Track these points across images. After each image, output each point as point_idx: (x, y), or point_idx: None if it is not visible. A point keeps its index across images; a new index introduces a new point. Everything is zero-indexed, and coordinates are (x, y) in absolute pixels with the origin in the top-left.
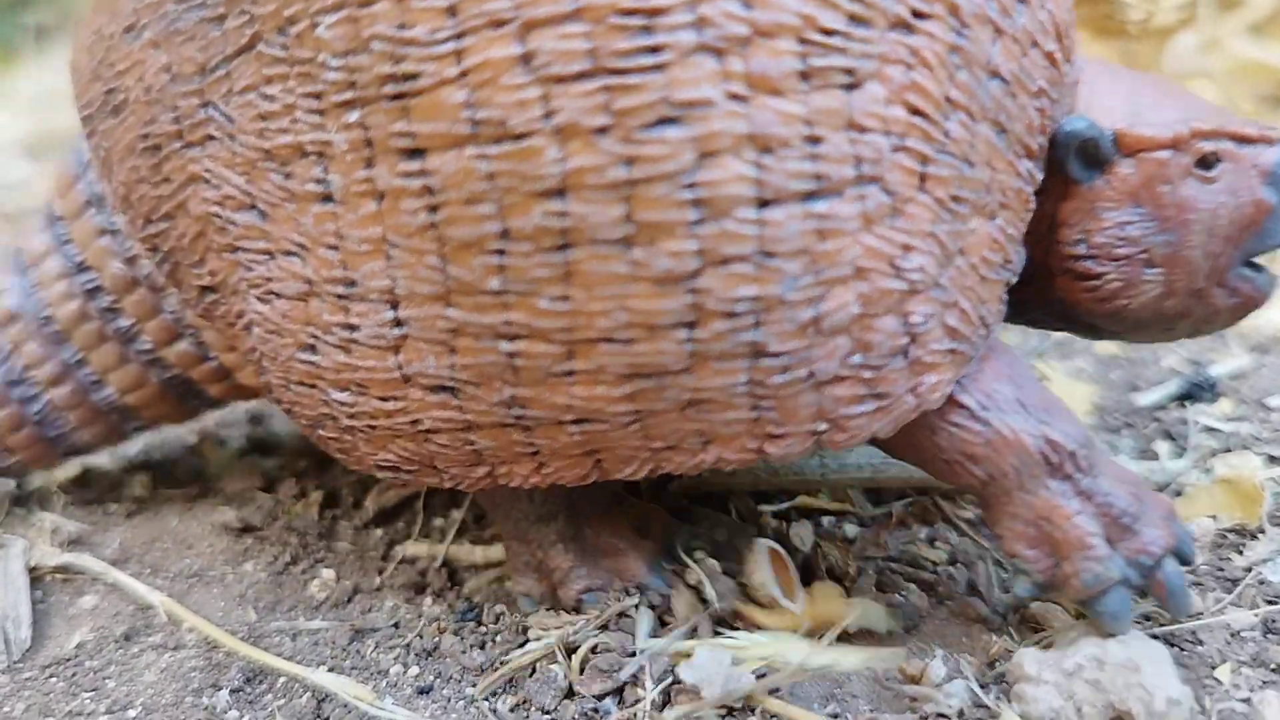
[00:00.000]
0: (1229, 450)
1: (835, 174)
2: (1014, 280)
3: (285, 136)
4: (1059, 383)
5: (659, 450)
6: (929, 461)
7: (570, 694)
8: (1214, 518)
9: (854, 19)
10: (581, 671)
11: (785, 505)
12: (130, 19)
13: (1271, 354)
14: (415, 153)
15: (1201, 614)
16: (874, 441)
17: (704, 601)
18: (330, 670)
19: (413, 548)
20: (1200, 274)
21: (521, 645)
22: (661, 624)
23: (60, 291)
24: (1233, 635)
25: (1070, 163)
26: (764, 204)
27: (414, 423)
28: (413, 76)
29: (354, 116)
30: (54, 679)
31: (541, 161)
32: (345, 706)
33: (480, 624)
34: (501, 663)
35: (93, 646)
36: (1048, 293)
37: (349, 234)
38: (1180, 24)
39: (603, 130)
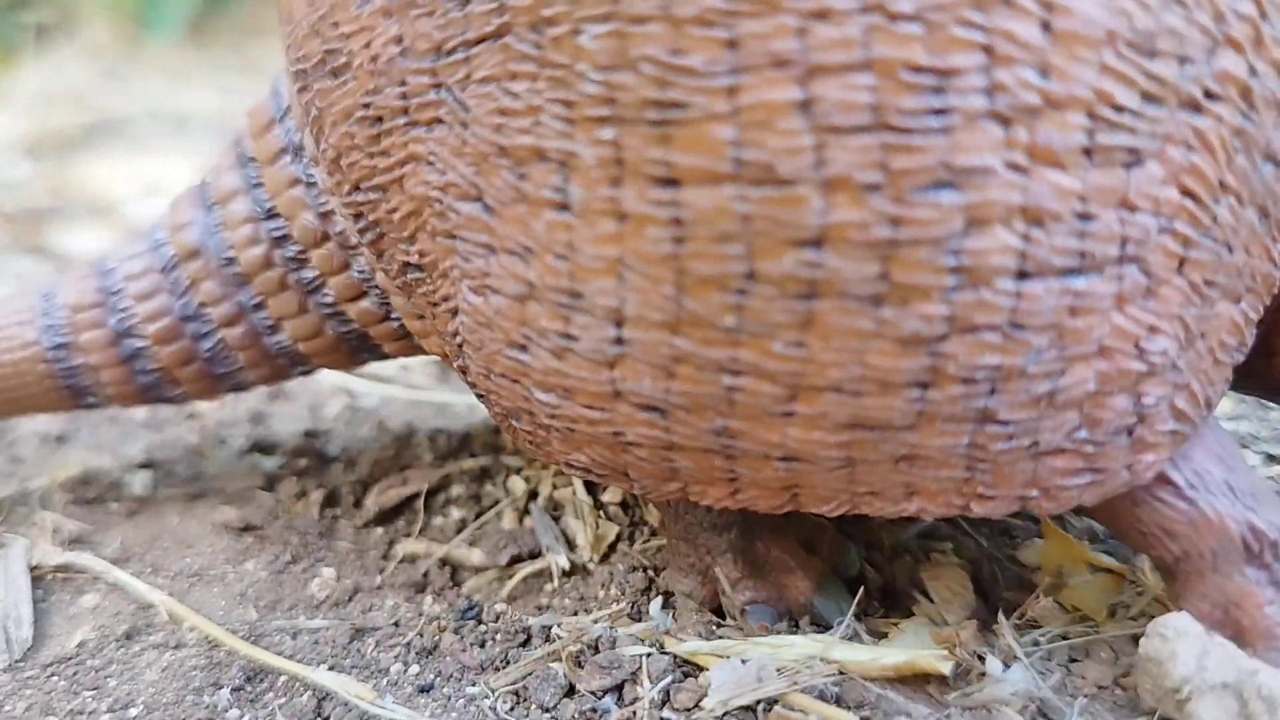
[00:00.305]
0: None
1: (1099, 252)
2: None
3: (525, 138)
4: None
5: (861, 494)
6: (1124, 529)
7: (570, 692)
8: None
9: (1147, 97)
10: (581, 668)
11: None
12: None
13: None
14: (669, 182)
15: None
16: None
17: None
18: (331, 669)
19: (413, 547)
20: None
21: (523, 644)
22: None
23: (245, 235)
24: None
25: None
26: (1024, 276)
27: (616, 434)
28: (680, 105)
29: (608, 134)
30: (55, 678)
31: (804, 210)
32: (346, 705)
33: (480, 623)
34: (504, 661)
35: (94, 645)
36: (1266, 368)
37: (582, 248)
38: None
39: (874, 188)
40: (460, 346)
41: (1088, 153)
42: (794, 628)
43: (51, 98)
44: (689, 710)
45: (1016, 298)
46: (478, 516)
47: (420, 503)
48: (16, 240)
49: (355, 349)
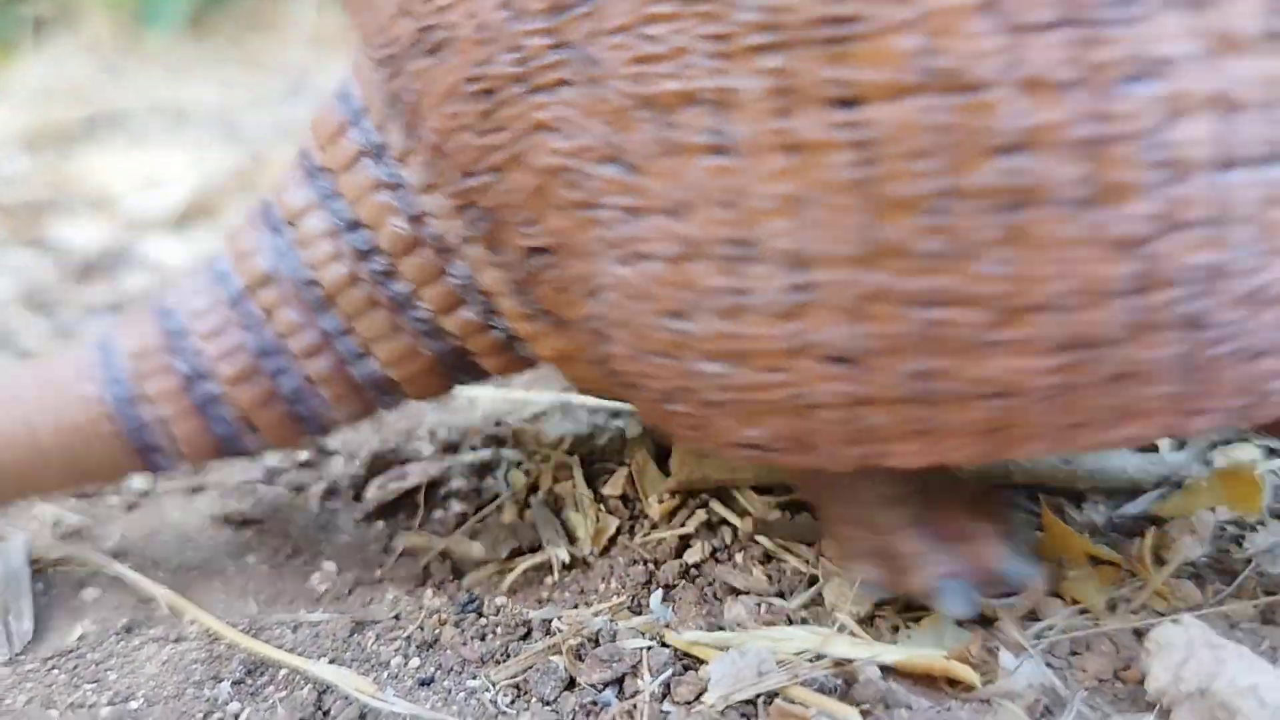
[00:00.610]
0: (1228, 442)
1: None
2: None
3: (671, 83)
4: None
5: (1069, 427)
6: None
7: (570, 685)
8: (1213, 510)
9: None
10: (581, 661)
11: (786, 497)
12: None
13: None
14: (849, 102)
15: (1201, 606)
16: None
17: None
18: (331, 662)
19: (413, 540)
20: None
21: (524, 637)
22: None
23: (325, 252)
24: (1231, 627)
25: None
26: (1225, 167)
27: (796, 396)
28: (853, 20)
29: (772, 61)
30: (56, 670)
31: (1002, 115)
32: (346, 698)
33: (481, 616)
34: (505, 654)
35: (94, 638)
36: None
37: (750, 190)
38: None
39: (1072, 84)
40: (600, 332)
41: (1270, 36)
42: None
43: (51, 91)
44: (689, 703)
45: (1220, 189)
46: (478, 510)
47: (420, 496)
48: (15, 233)
49: (451, 369)
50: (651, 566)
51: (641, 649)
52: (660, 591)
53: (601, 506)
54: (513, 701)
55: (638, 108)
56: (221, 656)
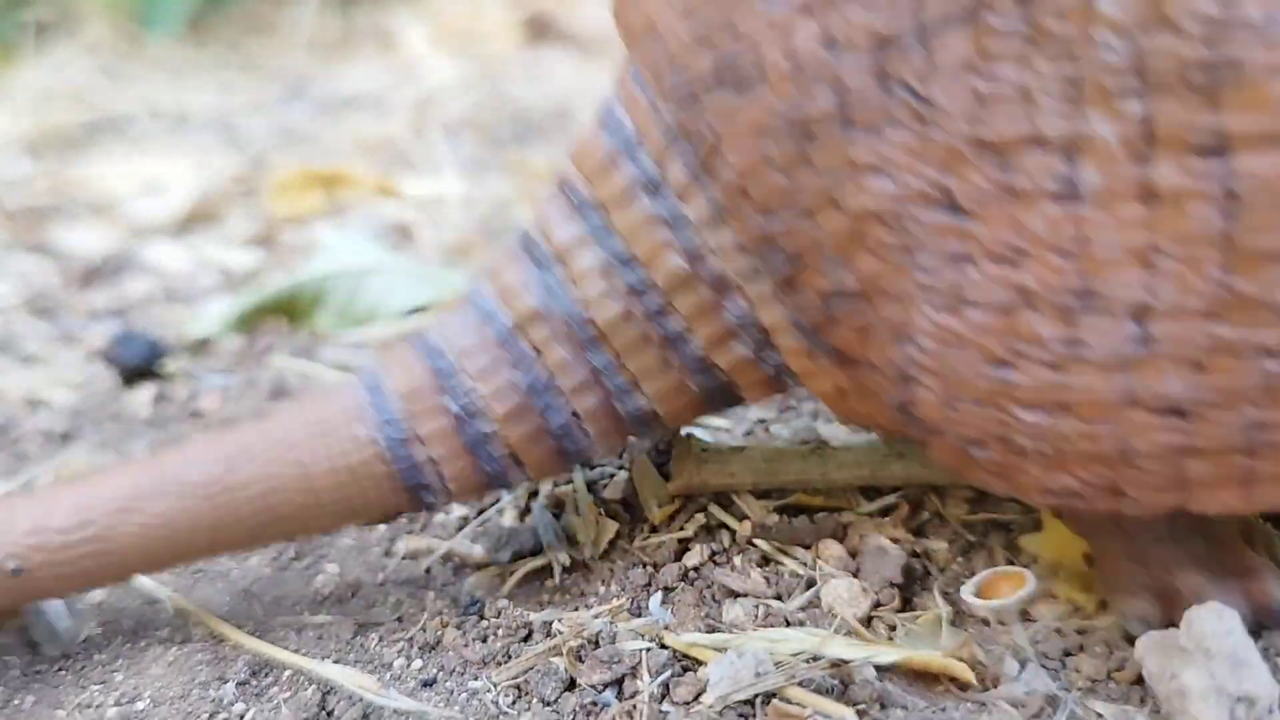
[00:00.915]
0: None
1: None
2: None
3: (1014, 125)
4: None
5: None
6: None
7: (571, 686)
8: None
9: None
10: (581, 662)
11: (783, 501)
12: None
13: None
14: (1216, 150)
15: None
16: None
17: None
18: (335, 664)
19: (415, 543)
20: None
21: (524, 639)
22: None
23: (598, 289)
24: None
25: None
26: None
27: (1120, 447)
28: (1233, 65)
29: (1134, 106)
30: (63, 671)
31: None
32: (350, 699)
33: (482, 618)
34: (506, 656)
35: (101, 640)
36: None
37: (1098, 239)
38: None
39: None
40: (906, 376)
41: None
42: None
43: (52, 95)
44: (688, 704)
45: None
46: (479, 513)
47: None
48: (17, 238)
49: (710, 402)
50: (651, 569)
51: (641, 650)
52: (659, 594)
53: (602, 510)
54: (514, 702)
55: (974, 150)
56: (226, 658)
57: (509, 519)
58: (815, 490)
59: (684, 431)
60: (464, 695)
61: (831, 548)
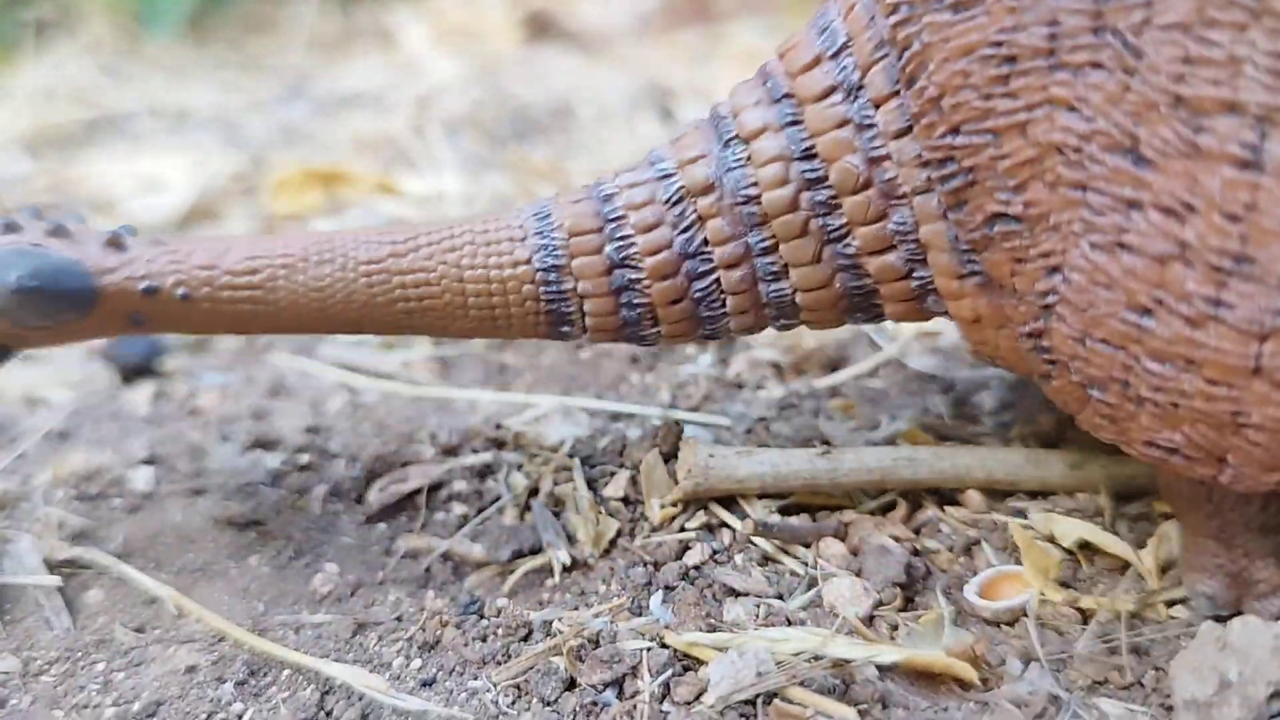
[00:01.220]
0: None
1: None
2: None
3: (1215, 89)
4: None
5: None
6: None
7: (571, 686)
8: None
9: None
10: (581, 662)
11: (787, 501)
12: None
13: None
14: None
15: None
16: None
17: None
18: (334, 663)
19: (415, 542)
20: None
21: (524, 639)
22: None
23: (773, 174)
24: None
25: None
26: None
27: (1235, 413)
28: None
29: None
30: (61, 672)
31: None
32: (349, 699)
33: (482, 618)
34: (506, 655)
35: (99, 640)
36: None
37: (1269, 210)
38: None
39: None
40: (1048, 307)
41: None
42: None
43: (52, 94)
44: (689, 704)
45: None
46: (479, 512)
47: (422, 498)
48: None
49: (853, 307)
50: (652, 568)
51: (641, 650)
52: (660, 593)
53: (602, 509)
54: (514, 702)
55: (1170, 105)
56: (225, 658)
57: (509, 517)
58: (819, 491)
59: (688, 435)
60: (464, 695)
61: (833, 546)
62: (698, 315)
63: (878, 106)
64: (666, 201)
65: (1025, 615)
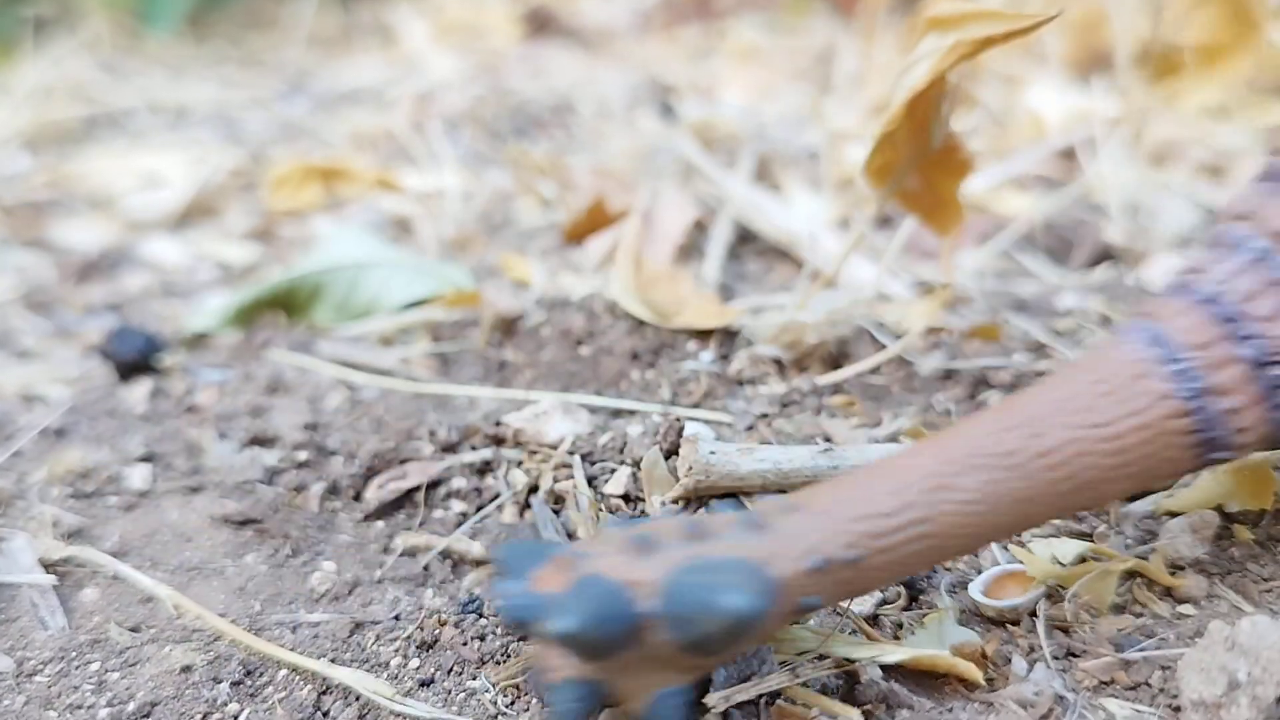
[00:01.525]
0: None
1: None
2: None
3: None
4: None
5: None
6: None
7: None
8: (1219, 508)
9: None
10: None
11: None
12: None
13: None
14: None
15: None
16: None
17: None
18: (331, 663)
19: (413, 540)
20: None
21: (523, 638)
22: None
23: None
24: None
25: None
26: None
27: None
28: None
29: None
30: (55, 672)
31: None
32: (346, 699)
33: (481, 616)
34: (505, 655)
35: (94, 639)
36: None
37: None
38: None
39: None
40: None
41: None
42: None
43: (51, 91)
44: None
45: None
46: (478, 510)
47: (420, 496)
48: (14, 233)
49: None
50: None
51: None
52: None
53: (602, 506)
54: (513, 702)
55: None
56: (221, 657)
57: (509, 515)
58: None
59: (689, 431)
60: (462, 694)
61: None
62: None
63: None
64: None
65: (1033, 614)
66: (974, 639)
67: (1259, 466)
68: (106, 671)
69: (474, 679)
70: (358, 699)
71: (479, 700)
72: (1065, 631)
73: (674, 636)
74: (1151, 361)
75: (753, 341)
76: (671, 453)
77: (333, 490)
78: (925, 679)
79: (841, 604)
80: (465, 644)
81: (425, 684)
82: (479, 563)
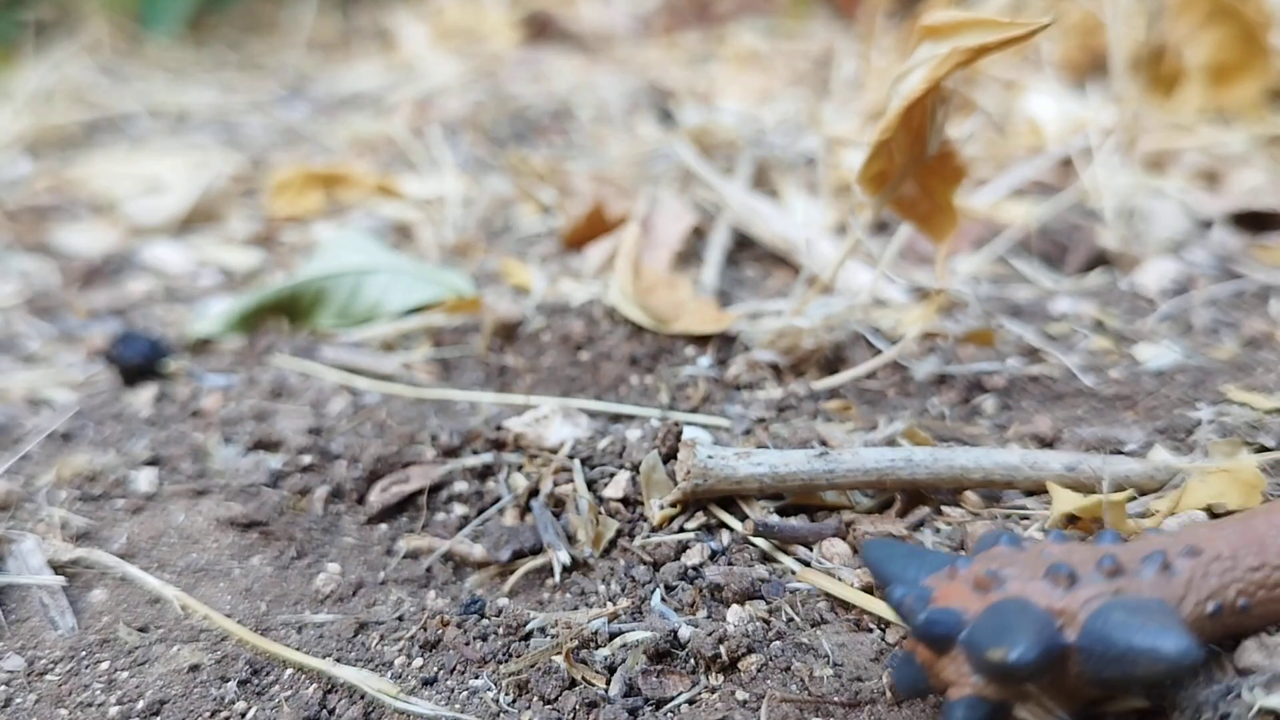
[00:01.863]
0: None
1: None
2: None
3: None
4: None
5: None
6: None
7: (571, 684)
8: (1209, 509)
9: None
10: (581, 660)
11: (785, 502)
12: None
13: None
14: None
15: None
16: None
17: None
18: (337, 662)
19: (416, 542)
20: None
21: (525, 638)
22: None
23: None
24: None
25: None
26: None
27: None
28: None
29: None
30: (65, 671)
31: None
32: (351, 697)
33: (483, 617)
34: (506, 655)
35: (103, 639)
36: None
37: None
38: None
39: None
40: None
41: None
42: None
43: (52, 95)
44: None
45: None
46: (480, 513)
47: (423, 499)
48: (19, 238)
49: None
50: (651, 568)
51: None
52: (660, 592)
53: (602, 509)
54: (514, 701)
55: None
56: (228, 657)
57: (509, 518)
58: (817, 493)
59: (687, 436)
60: (465, 693)
61: (836, 546)
62: None
63: None
64: None
65: None
66: None
67: (1249, 469)
68: (116, 670)
69: (476, 678)
70: (362, 697)
71: (481, 699)
72: None
73: (1090, 670)
74: None
75: (750, 347)
76: (670, 457)
77: (337, 494)
78: None
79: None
80: (468, 644)
81: (428, 683)
82: (481, 565)
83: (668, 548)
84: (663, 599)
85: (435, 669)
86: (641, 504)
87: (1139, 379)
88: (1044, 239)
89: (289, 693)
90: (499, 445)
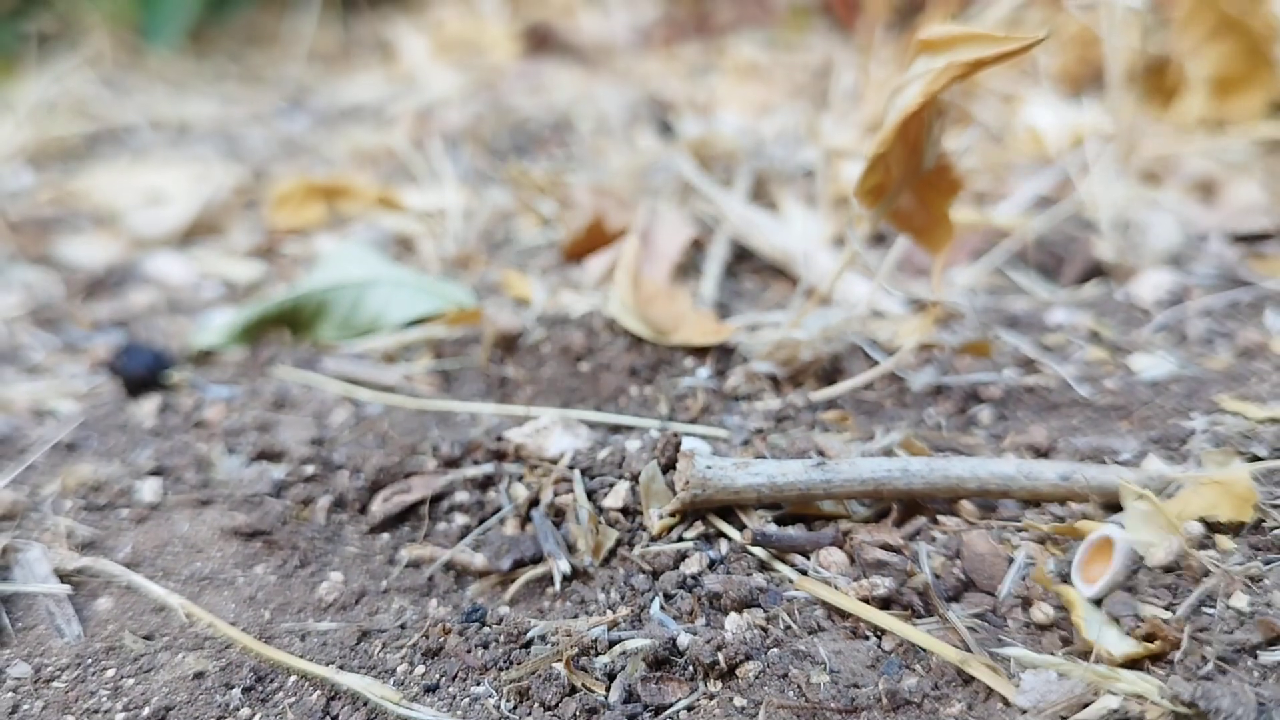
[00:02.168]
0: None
1: None
2: None
3: None
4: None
5: None
6: None
7: (572, 691)
8: (1203, 520)
9: None
10: (582, 668)
11: (782, 511)
12: None
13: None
14: None
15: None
16: None
17: None
18: (340, 669)
19: (418, 551)
20: None
21: (526, 645)
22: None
23: None
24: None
25: None
26: None
27: None
28: None
29: None
30: (72, 678)
31: None
32: (354, 704)
33: (484, 625)
34: (508, 662)
35: (109, 647)
36: None
37: None
38: None
39: None
40: None
41: None
42: None
43: (53, 107)
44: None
45: None
46: (481, 522)
47: (425, 509)
48: (23, 250)
49: None
50: (651, 577)
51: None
52: (659, 600)
53: (601, 519)
54: (515, 708)
55: None
56: (233, 664)
57: (510, 528)
58: (814, 503)
59: (686, 446)
60: (466, 700)
61: (833, 555)
62: None
63: None
64: None
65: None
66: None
67: (1241, 481)
68: (122, 678)
69: (478, 685)
70: (365, 704)
71: (482, 705)
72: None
73: None
74: None
75: (748, 358)
76: (669, 467)
77: (339, 503)
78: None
79: None
80: (469, 651)
81: (430, 690)
82: (482, 574)
83: (667, 557)
84: (662, 607)
85: (437, 676)
86: (641, 514)
87: (1134, 389)
88: (1040, 250)
89: (293, 699)
90: (500, 456)
